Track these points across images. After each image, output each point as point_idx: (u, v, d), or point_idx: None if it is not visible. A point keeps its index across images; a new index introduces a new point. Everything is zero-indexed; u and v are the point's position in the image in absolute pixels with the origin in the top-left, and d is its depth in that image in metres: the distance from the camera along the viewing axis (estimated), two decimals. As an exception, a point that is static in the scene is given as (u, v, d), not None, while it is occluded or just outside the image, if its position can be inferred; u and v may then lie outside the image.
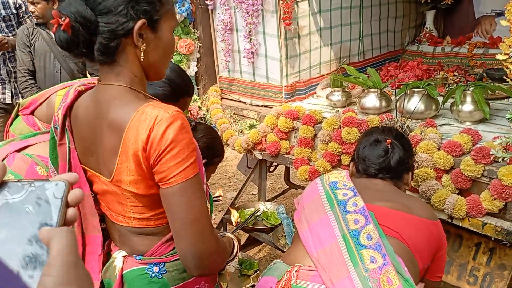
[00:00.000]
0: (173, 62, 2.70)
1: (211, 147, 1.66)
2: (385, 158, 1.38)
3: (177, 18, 2.52)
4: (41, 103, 1.64)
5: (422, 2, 2.88)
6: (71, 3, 0.93)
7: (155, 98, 1.04)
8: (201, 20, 2.63)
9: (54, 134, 1.08)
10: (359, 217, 1.17)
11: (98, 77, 1.04)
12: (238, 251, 1.28)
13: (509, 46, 1.37)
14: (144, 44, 0.97)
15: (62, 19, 0.92)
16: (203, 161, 1.24)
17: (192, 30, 2.60)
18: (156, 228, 1.06)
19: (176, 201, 0.94)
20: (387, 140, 1.41)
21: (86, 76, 3.12)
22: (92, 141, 1.03)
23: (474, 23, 2.91)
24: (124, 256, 1.12)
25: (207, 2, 2.53)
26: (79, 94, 1.08)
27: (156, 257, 1.09)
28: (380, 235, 1.14)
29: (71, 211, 0.50)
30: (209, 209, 1.14)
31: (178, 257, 1.05)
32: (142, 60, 0.98)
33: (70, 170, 1.06)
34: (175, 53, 2.66)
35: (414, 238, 1.20)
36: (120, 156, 0.95)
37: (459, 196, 1.58)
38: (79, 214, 1.08)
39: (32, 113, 1.65)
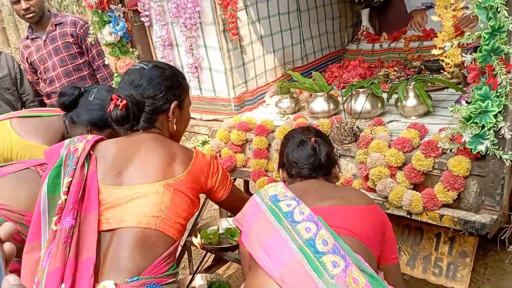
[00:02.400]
0: (113, 84, 2.60)
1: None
2: (315, 157, 1.41)
3: (113, 38, 2.42)
4: None
5: (356, 1, 2.95)
6: (125, 88, 1.34)
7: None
8: (139, 37, 2.54)
9: (64, 163, 1.29)
10: (309, 224, 1.17)
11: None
12: None
13: (443, 41, 1.41)
14: (175, 118, 1.41)
15: (119, 100, 1.31)
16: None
17: (131, 49, 2.51)
18: (167, 239, 1.24)
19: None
20: (312, 139, 1.44)
21: (24, 104, 2.98)
22: (125, 163, 1.32)
23: (407, 18, 3.03)
24: (115, 284, 1.13)
25: (142, 19, 2.45)
26: (100, 139, 1.42)
27: (153, 276, 1.16)
28: (334, 237, 1.14)
29: (7, 246, 0.54)
30: None
31: (173, 279, 1.25)
32: (175, 129, 1.42)
33: (84, 187, 1.25)
34: (115, 74, 2.56)
35: (361, 228, 1.22)
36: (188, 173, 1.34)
37: (415, 191, 1.61)
38: (77, 234, 1.18)
39: None
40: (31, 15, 2.80)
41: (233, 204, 1.55)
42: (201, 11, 2.22)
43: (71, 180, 1.26)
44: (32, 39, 2.93)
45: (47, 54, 2.89)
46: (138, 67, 1.43)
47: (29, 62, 2.96)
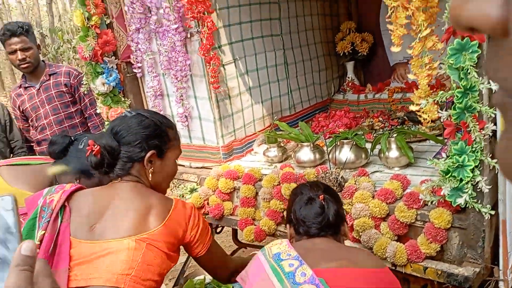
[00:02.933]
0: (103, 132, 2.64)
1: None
2: (324, 215, 1.39)
3: (106, 88, 2.49)
4: None
5: (341, 55, 3.08)
6: (103, 136, 1.37)
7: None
8: (131, 88, 2.62)
9: (39, 214, 1.28)
10: (311, 287, 1.14)
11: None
12: None
13: (419, 98, 1.48)
14: (152, 168, 1.38)
15: (95, 146, 1.33)
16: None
17: (123, 99, 2.58)
18: None
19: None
20: (320, 196, 1.42)
21: (13, 150, 3.00)
22: (98, 216, 1.29)
23: (390, 70, 3.16)
24: None
25: (135, 70, 2.53)
26: (76, 189, 1.40)
27: None
28: None
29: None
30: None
31: None
32: (150, 179, 1.38)
33: (56, 240, 1.24)
34: (107, 122, 2.61)
35: None
36: (163, 226, 1.29)
37: (399, 242, 1.63)
38: None
39: None
40: (26, 65, 2.87)
41: (210, 263, 1.49)
42: (192, 64, 2.30)
43: (44, 233, 1.24)
44: (26, 87, 2.98)
45: (39, 102, 2.94)
46: (123, 114, 1.45)
47: (21, 110, 3.00)
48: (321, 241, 1.36)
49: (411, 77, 1.49)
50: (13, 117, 3.07)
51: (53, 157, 1.83)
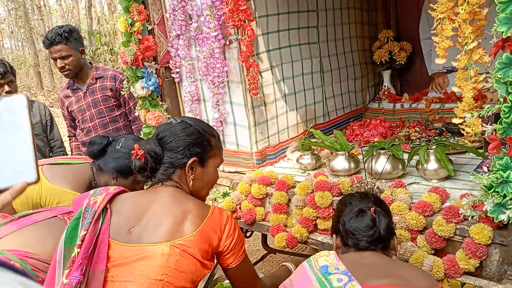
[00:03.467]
0: (141, 134, 2.71)
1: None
2: (375, 229, 1.35)
3: (145, 92, 2.56)
4: None
5: (378, 63, 3.05)
6: (148, 142, 1.40)
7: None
8: (169, 92, 2.68)
9: (83, 215, 1.32)
10: None
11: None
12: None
13: (463, 111, 1.46)
14: (193, 175, 1.40)
15: (140, 151, 1.37)
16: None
17: (160, 103, 2.64)
18: None
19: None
20: (371, 209, 1.38)
21: (52, 149, 3.11)
22: (137, 219, 1.32)
23: (428, 80, 3.10)
24: None
25: (173, 75, 2.59)
26: (119, 192, 1.43)
27: None
28: None
29: None
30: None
31: None
32: (191, 185, 1.40)
33: (96, 242, 1.27)
34: (145, 125, 2.68)
35: None
36: (198, 233, 1.29)
37: (436, 256, 1.60)
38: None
39: None
40: (66, 72, 2.92)
41: (239, 278, 1.44)
42: (229, 71, 2.34)
43: (85, 234, 1.27)
44: (73, 89, 3.04)
45: (86, 105, 2.99)
46: (169, 121, 1.49)
47: (69, 110, 3.07)
48: (370, 255, 1.32)
49: (455, 89, 1.46)
50: (59, 115, 3.16)
51: (92, 157, 1.90)
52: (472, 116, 1.35)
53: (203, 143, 1.42)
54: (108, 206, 1.35)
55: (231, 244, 1.36)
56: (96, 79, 3.00)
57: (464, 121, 1.43)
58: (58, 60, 2.88)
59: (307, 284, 1.21)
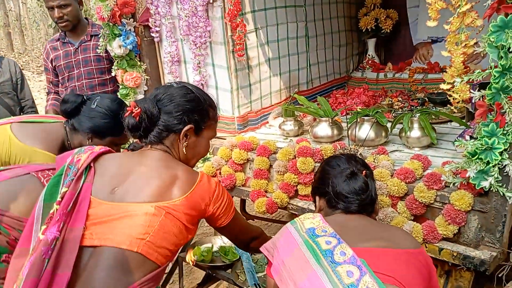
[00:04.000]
0: (117, 95, 2.59)
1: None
2: (368, 193, 1.32)
3: (122, 51, 2.44)
4: None
5: (364, 31, 3.00)
6: (146, 100, 1.33)
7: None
8: (147, 52, 2.57)
9: (65, 172, 1.28)
10: (352, 268, 1.06)
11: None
12: None
13: (452, 76, 1.43)
14: (186, 142, 1.34)
15: (135, 108, 1.29)
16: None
17: (138, 63, 2.53)
18: (148, 263, 1.18)
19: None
20: (363, 172, 1.35)
21: (23, 109, 2.95)
22: (122, 179, 1.27)
23: (412, 50, 3.08)
24: None
25: (152, 35, 2.48)
26: (104, 152, 1.37)
27: None
28: (380, 286, 1.03)
29: None
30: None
31: None
32: (184, 153, 1.35)
33: (77, 200, 1.22)
34: (122, 86, 2.58)
35: (408, 277, 1.10)
36: (186, 198, 1.25)
37: (415, 222, 1.61)
38: (59, 247, 1.15)
39: None
40: (64, 24, 2.68)
41: (232, 231, 1.49)
42: (212, 31, 2.25)
43: (66, 191, 1.23)
44: (63, 43, 2.80)
45: (75, 62, 2.77)
46: (170, 84, 1.42)
47: (54, 64, 2.84)
48: (355, 218, 1.30)
49: (444, 54, 1.43)
50: (31, 79, 2.97)
51: (65, 116, 1.81)
52: (461, 81, 1.33)
53: (202, 112, 1.37)
54: (92, 165, 1.30)
55: (220, 208, 1.35)
56: (91, 36, 2.76)
57: (453, 87, 1.40)
58: (56, 10, 2.62)
59: (293, 246, 1.17)
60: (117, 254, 1.15)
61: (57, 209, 1.19)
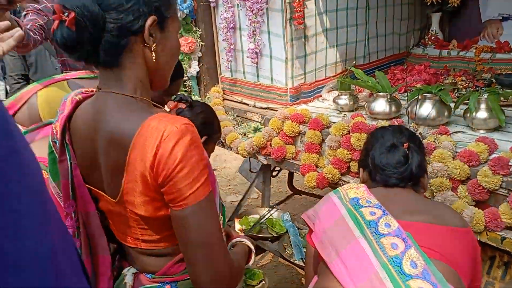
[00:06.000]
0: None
1: (209, 123, 1.63)
2: (407, 166, 1.26)
3: (179, 15, 2.43)
4: (21, 106, 1.54)
5: (428, 4, 2.82)
6: None
7: (161, 107, 0.96)
8: (203, 17, 2.54)
9: (53, 149, 0.97)
10: (397, 240, 1.02)
11: (97, 85, 0.95)
12: (254, 256, 1.24)
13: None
14: (154, 44, 0.90)
15: (66, 14, 0.82)
16: (203, 138, 1.16)
17: (194, 28, 2.51)
18: (166, 249, 0.99)
19: (187, 224, 0.85)
20: (404, 144, 1.29)
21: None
22: (93, 157, 0.93)
23: (480, 27, 2.87)
24: (134, 273, 1.05)
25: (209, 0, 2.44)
26: (77, 104, 0.98)
27: (168, 275, 1.02)
28: (426, 260, 1.00)
29: None
30: (221, 223, 1.06)
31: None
32: (154, 60, 0.90)
33: (73, 188, 0.97)
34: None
35: (454, 253, 1.07)
36: (126, 176, 0.87)
37: (477, 208, 1.52)
38: (85, 233, 1.00)
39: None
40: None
41: (188, 231, 0.87)
42: (270, -3, 2.18)
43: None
44: None
45: None
46: None
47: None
48: (400, 191, 1.25)
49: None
50: None
51: None
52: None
53: None
54: (67, 137, 0.96)
55: (174, 171, 0.83)
56: None
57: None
58: None
59: (335, 215, 1.14)
60: None
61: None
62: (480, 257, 1.19)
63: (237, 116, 2.49)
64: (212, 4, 2.46)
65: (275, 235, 2.03)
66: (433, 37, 2.91)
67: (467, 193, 1.55)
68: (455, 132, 1.83)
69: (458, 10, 2.90)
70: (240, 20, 2.40)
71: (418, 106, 1.88)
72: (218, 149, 2.07)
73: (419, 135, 1.76)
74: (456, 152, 1.64)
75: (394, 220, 1.07)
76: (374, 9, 2.66)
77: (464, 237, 1.12)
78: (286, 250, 1.93)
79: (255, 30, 2.31)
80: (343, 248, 1.05)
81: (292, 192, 2.86)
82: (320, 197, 3.01)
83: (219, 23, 2.48)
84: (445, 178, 1.59)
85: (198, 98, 2.61)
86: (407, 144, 1.29)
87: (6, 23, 1.28)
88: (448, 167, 1.60)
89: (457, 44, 2.81)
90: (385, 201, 1.16)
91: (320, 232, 1.15)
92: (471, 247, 1.13)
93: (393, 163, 1.27)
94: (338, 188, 1.26)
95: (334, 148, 1.95)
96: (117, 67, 0.89)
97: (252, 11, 2.26)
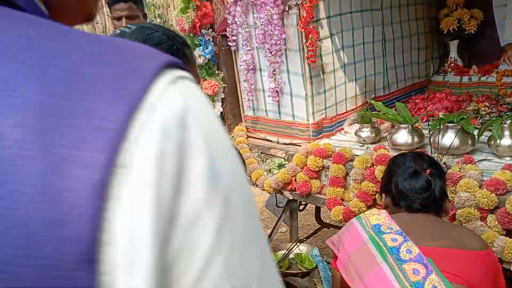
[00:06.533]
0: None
1: None
2: (430, 192, 1.30)
3: (202, 60, 2.55)
4: None
5: (445, 32, 2.86)
6: None
7: None
8: (225, 61, 2.66)
9: None
10: (418, 266, 1.06)
11: None
12: None
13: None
14: None
15: None
16: None
17: (216, 72, 2.63)
18: None
19: None
20: (427, 170, 1.33)
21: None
22: None
23: (499, 51, 2.87)
24: None
25: (229, 44, 2.56)
26: None
27: None
28: (447, 285, 1.02)
29: None
30: None
31: None
32: None
33: None
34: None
35: (475, 278, 1.09)
36: None
37: (508, 238, 1.49)
38: None
39: None
40: None
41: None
42: (287, 39, 2.27)
43: None
44: None
45: None
46: None
47: None
48: (422, 216, 1.28)
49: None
50: None
51: None
52: None
53: None
54: None
55: None
56: None
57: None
58: (124, 20, 2.54)
59: (358, 242, 1.18)
60: None
61: None
62: (503, 278, 1.20)
63: (261, 153, 2.55)
64: (232, 48, 2.57)
65: (305, 270, 2.03)
66: (452, 64, 2.93)
67: (496, 223, 1.53)
68: (480, 160, 1.82)
69: (476, 36, 2.92)
70: (260, 61, 2.50)
71: (440, 136, 1.89)
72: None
73: (443, 165, 1.77)
74: (483, 180, 1.63)
75: (415, 246, 1.11)
76: (391, 41, 2.71)
77: (484, 260, 1.15)
78: (317, 285, 1.92)
79: (274, 70, 2.40)
80: (367, 274, 1.10)
81: (320, 226, 2.85)
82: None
83: (240, 65, 2.58)
84: (473, 208, 1.58)
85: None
86: (429, 170, 1.34)
87: None
88: (475, 197, 1.59)
89: (477, 70, 2.81)
90: (406, 227, 1.21)
91: (344, 258, 1.20)
92: (492, 268, 1.15)
93: (416, 188, 1.31)
94: (360, 215, 1.31)
95: (359, 181, 1.96)
96: None
97: (271, 53, 2.35)
